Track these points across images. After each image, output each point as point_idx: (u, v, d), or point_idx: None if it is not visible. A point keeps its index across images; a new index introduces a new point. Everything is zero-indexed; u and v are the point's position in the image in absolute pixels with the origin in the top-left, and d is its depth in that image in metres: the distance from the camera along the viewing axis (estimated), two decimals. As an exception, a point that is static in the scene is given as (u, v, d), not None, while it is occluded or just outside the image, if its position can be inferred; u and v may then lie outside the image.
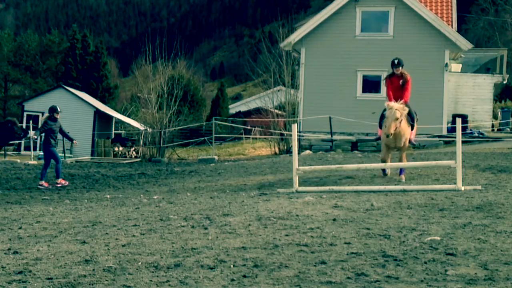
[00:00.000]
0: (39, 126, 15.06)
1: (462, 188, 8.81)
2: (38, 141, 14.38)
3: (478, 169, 12.20)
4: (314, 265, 4.51)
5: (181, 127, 31.98)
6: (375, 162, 15.30)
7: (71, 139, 15.12)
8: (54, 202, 10.37)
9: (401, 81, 11.36)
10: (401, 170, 11.05)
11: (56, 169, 14.37)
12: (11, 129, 13.91)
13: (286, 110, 29.20)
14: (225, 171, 16.01)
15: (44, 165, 14.52)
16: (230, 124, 38.03)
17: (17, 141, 14.57)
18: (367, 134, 24.81)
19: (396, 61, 11.44)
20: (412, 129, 11.15)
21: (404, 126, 10.80)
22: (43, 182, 14.14)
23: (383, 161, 11.26)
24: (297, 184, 9.77)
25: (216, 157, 24.60)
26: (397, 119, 10.52)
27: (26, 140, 14.58)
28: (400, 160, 11.40)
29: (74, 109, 33.81)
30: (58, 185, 14.10)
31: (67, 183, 14.52)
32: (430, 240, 5.17)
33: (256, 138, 36.26)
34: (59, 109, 14.66)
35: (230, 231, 5.86)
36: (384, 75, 24.91)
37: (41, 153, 17.38)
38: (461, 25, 47.85)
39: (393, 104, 10.69)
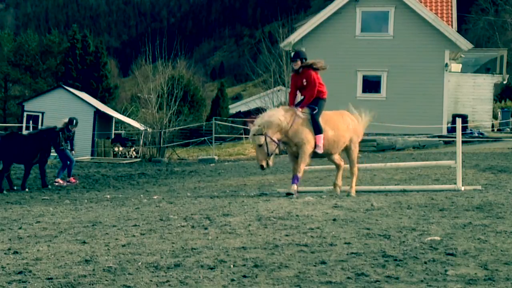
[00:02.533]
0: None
1: (462, 188, 8.81)
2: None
3: (478, 169, 12.20)
4: (314, 265, 4.51)
5: (181, 127, 31.98)
6: (375, 162, 15.31)
7: (72, 148, 15.48)
8: (54, 202, 10.37)
9: (304, 80, 9.48)
10: (293, 179, 9.26)
11: (69, 168, 15.10)
12: (56, 137, 14.03)
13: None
14: (225, 171, 16.02)
15: (62, 166, 15.17)
16: (230, 124, 38.01)
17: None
18: (367, 134, 24.80)
19: (292, 54, 9.76)
20: (318, 133, 9.21)
21: (302, 130, 9.13)
22: (71, 179, 15.01)
23: (293, 170, 9.54)
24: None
25: (216, 157, 24.61)
26: (260, 145, 8.96)
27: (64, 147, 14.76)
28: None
29: (74, 109, 33.75)
30: (68, 183, 14.76)
31: (76, 181, 15.09)
32: (430, 240, 5.17)
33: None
34: (74, 123, 15.11)
35: (230, 231, 5.86)
36: (384, 75, 24.98)
37: None
38: (461, 25, 47.86)
39: (253, 127, 9.14)
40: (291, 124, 9.11)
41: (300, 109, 9.28)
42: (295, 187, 9.07)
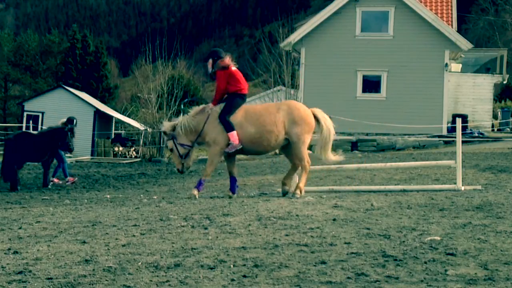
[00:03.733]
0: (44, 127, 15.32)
1: (462, 188, 8.81)
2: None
3: (478, 169, 12.20)
4: (314, 265, 4.51)
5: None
6: (375, 162, 15.31)
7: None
8: (54, 202, 10.38)
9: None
10: (198, 183, 9.28)
11: (63, 168, 15.08)
12: (65, 136, 14.07)
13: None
14: (225, 171, 15.98)
15: (58, 165, 15.11)
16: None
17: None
18: (367, 134, 24.81)
19: (207, 55, 9.59)
20: (228, 131, 9.00)
21: (212, 130, 9.09)
22: (69, 178, 14.92)
23: (229, 172, 9.50)
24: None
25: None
26: (171, 150, 9.34)
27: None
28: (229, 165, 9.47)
29: (74, 109, 33.76)
30: (67, 183, 14.79)
31: (75, 179, 15.10)
32: (430, 240, 5.17)
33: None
34: (75, 122, 15.07)
35: (230, 231, 5.86)
36: (384, 75, 24.98)
37: None
38: (461, 25, 47.84)
39: (165, 124, 9.52)
40: (204, 124, 9.16)
41: (211, 106, 9.27)
42: (195, 191, 9.10)
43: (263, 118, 9.04)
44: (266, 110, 9.24)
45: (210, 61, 9.35)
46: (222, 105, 9.20)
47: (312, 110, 9.40)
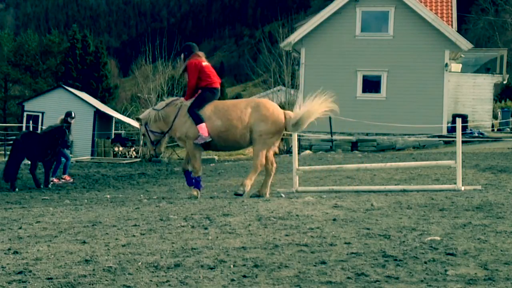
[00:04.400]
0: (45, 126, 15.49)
1: (462, 188, 8.81)
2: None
3: (478, 169, 12.20)
4: (314, 265, 4.51)
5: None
6: (375, 162, 15.31)
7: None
8: (54, 202, 10.38)
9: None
10: (194, 182, 9.38)
11: (65, 165, 15.33)
12: (63, 134, 14.21)
13: (286, 110, 29.19)
14: (225, 171, 16.01)
15: (56, 164, 15.10)
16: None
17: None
18: (367, 134, 24.82)
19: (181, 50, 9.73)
20: (197, 123, 9.09)
21: (183, 123, 9.22)
22: (66, 176, 15.22)
23: (182, 168, 9.76)
24: (297, 184, 9.77)
25: (216, 157, 24.60)
26: (144, 135, 9.65)
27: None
28: (187, 163, 9.54)
29: (74, 109, 33.72)
30: (63, 181, 15.00)
31: (71, 180, 15.23)
32: (430, 240, 5.17)
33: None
34: (73, 115, 15.24)
35: (230, 231, 5.86)
36: (384, 75, 24.99)
37: None
38: (461, 25, 47.87)
39: (144, 112, 9.83)
40: (175, 118, 9.28)
41: (182, 100, 9.42)
42: (195, 192, 9.22)
43: (229, 113, 9.09)
44: (234, 105, 9.28)
45: (182, 56, 9.52)
46: (193, 99, 9.32)
47: (286, 112, 9.37)
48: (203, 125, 9.04)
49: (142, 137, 10.11)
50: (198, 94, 9.27)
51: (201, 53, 9.52)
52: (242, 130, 9.05)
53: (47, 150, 14.04)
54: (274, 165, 9.38)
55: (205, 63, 9.42)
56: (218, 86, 9.48)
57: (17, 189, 13.46)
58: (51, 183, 14.36)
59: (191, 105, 9.19)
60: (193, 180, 9.34)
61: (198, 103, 9.19)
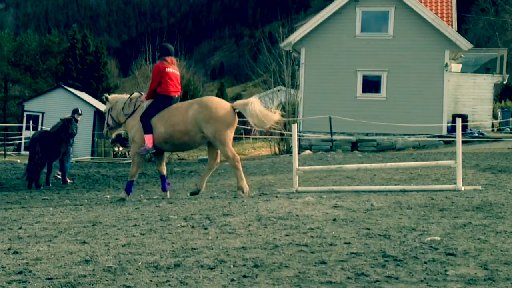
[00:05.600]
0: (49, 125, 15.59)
1: (462, 188, 8.81)
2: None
3: (478, 169, 12.20)
4: (314, 265, 4.51)
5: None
6: (375, 162, 15.31)
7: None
8: (54, 202, 10.38)
9: None
10: (126, 186, 9.61)
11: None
12: (67, 129, 14.41)
13: (286, 110, 29.22)
14: (225, 171, 15.99)
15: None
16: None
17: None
18: (367, 134, 24.81)
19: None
20: (146, 133, 9.11)
21: (133, 127, 9.32)
22: (59, 175, 15.22)
23: (159, 171, 9.92)
24: (297, 184, 9.77)
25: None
26: (104, 113, 10.14)
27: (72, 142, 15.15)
28: (161, 167, 9.68)
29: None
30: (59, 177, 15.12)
31: (71, 180, 15.20)
32: (430, 240, 5.17)
33: (256, 138, 36.26)
34: (80, 111, 15.37)
35: (230, 231, 5.86)
36: (384, 75, 24.99)
37: None
38: (461, 25, 47.86)
39: (116, 95, 10.26)
40: (131, 114, 9.42)
41: (142, 98, 9.45)
42: (123, 194, 9.43)
43: (172, 118, 9.02)
44: (176, 109, 9.17)
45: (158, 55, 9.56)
46: (149, 103, 9.29)
47: (233, 104, 9.33)
48: (150, 136, 9.03)
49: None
50: (153, 101, 9.28)
51: (171, 59, 9.39)
52: (188, 133, 8.97)
53: (61, 148, 14.32)
54: (218, 161, 9.39)
55: (169, 69, 9.30)
56: (175, 95, 9.34)
57: (42, 187, 13.70)
58: (70, 182, 14.60)
59: (144, 112, 9.17)
60: (127, 183, 9.52)
61: (151, 110, 9.15)
